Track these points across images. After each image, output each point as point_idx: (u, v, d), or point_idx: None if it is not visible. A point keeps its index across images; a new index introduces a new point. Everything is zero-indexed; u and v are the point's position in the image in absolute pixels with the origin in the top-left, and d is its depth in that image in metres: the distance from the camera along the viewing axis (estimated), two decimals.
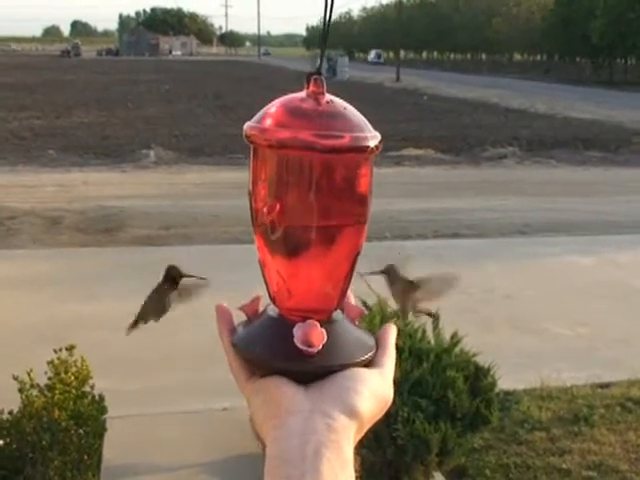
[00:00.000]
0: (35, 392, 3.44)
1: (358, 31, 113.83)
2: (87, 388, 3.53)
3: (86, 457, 3.42)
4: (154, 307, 1.60)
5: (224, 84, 27.75)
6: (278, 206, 0.65)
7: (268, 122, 0.65)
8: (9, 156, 12.37)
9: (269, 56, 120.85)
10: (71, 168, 12.29)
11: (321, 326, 0.66)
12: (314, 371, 0.65)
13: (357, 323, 0.73)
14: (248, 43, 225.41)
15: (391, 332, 0.71)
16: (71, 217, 8.81)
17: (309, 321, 0.67)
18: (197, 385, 4.49)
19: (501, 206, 9.84)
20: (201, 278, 1.49)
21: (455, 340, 3.56)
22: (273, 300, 0.70)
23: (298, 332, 0.66)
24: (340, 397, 0.63)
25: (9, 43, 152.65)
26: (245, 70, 33.92)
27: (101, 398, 3.55)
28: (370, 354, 0.68)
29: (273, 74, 28.76)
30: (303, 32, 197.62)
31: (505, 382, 3.62)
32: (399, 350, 3.41)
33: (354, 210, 0.67)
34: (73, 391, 3.50)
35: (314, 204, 0.64)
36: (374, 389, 0.65)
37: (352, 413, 0.62)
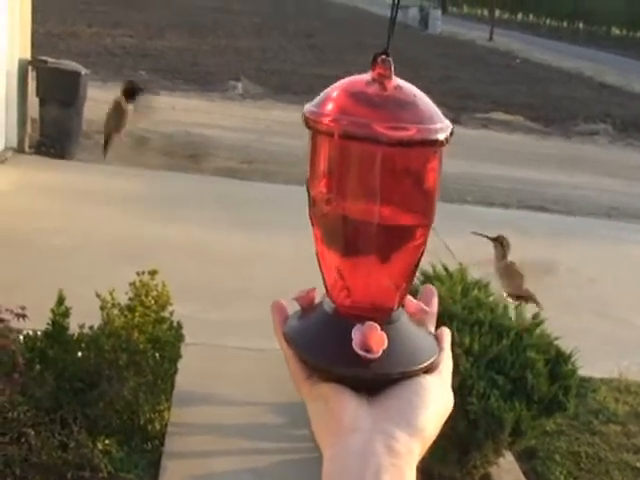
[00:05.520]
0: (116, 311, 3.48)
1: None
2: (166, 314, 3.55)
3: (160, 381, 3.46)
4: (115, 123, 1.65)
5: (316, 23, 27.37)
6: (337, 198, 0.60)
7: (329, 107, 0.59)
8: (101, 71, 12.44)
9: None
10: (161, 91, 12.32)
11: (381, 328, 0.62)
12: (373, 378, 0.61)
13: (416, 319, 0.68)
14: None
15: (446, 335, 0.69)
16: (158, 139, 8.88)
17: (368, 323, 0.62)
18: (270, 323, 4.49)
19: (590, 184, 9.53)
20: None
21: (537, 320, 3.47)
22: (329, 294, 0.66)
23: (357, 335, 0.61)
24: (403, 414, 0.59)
25: None
26: (336, 12, 33.43)
27: (179, 325, 3.57)
28: (431, 360, 0.64)
29: (363, 18, 28.32)
30: None
31: (582, 368, 3.51)
32: (480, 323, 3.34)
33: (419, 207, 0.61)
34: (152, 315, 3.53)
35: (376, 198, 0.59)
36: (437, 400, 0.62)
37: (416, 432, 0.59)
